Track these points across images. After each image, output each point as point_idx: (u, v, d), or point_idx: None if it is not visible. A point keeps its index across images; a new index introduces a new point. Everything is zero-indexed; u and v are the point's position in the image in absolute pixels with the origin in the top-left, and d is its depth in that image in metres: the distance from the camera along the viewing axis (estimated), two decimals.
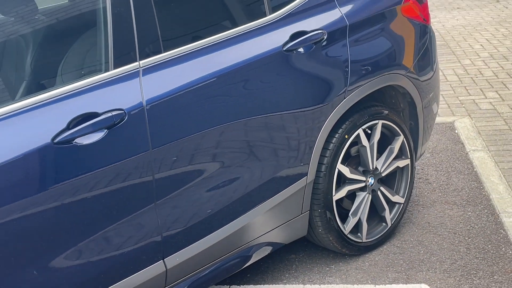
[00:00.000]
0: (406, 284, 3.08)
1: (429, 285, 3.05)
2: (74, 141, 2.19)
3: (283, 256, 3.38)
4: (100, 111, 2.26)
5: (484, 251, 3.31)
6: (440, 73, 6.38)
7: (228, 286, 3.15)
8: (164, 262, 2.53)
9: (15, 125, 2.10)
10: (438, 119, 5.13)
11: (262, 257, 3.15)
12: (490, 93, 5.70)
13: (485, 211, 3.70)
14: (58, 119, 2.17)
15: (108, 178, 2.29)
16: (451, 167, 4.30)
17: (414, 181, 4.03)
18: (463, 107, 5.44)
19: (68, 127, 2.18)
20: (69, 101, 2.22)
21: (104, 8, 2.35)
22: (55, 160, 2.16)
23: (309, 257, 3.37)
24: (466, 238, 3.44)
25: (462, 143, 4.66)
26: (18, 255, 2.13)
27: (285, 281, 3.19)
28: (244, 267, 2.92)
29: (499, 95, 5.63)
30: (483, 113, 5.24)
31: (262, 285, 3.16)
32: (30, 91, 2.25)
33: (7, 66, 2.35)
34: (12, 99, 2.19)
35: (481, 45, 7.40)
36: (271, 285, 3.16)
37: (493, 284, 3.03)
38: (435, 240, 3.44)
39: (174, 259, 2.55)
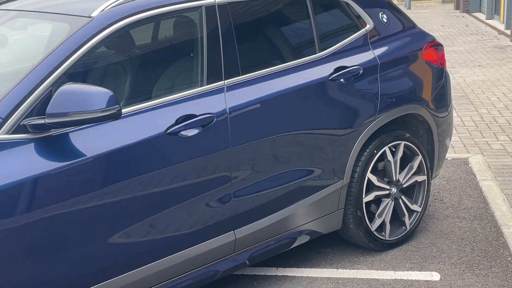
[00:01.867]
0: (421, 271, 3.83)
1: (439, 273, 3.79)
2: (179, 133, 3.04)
3: (320, 249, 4.15)
4: (197, 113, 3.12)
5: (486, 252, 4.04)
6: (458, 119, 7.19)
7: (276, 268, 3.92)
8: (234, 232, 3.34)
9: (142, 119, 2.96)
10: (454, 155, 5.91)
11: (303, 248, 3.95)
12: (502, 136, 6.48)
13: (489, 224, 4.44)
14: (170, 117, 3.03)
15: (200, 164, 3.12)
16: (463, 192, 5.05)
17: (430, 200, 4.78)
18: (477, 146, 6.21)
19: (176, 123, 3.04)
20: (177, 105, 3.08)
21: (202, 43, 3.23)
22: (167, 146, 3.01)
23: (341, 251, 4.14)
24: (472, 242, 4.18)
25: (474, 174, 5.42)
26: (138, 216, 2.95)
27: (321, 266, 3.95)
28: (290, 247, 3.70)
29: (510, 138, 6.39)
30: (494, 152, 6.01)
31: (303, 268, 3.92)
32: (152, 97, 3.13)
33: (137, 78, 3.22)
34: (140, 101, 3.05)
35: (498, 97, 8.21)
36: (310, 268, 3.92)
37: (491, 273, 3.76)
38: (445, 243, 4.18)
39: (242, 231, 3.36)
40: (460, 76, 9.67)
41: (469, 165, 5.66)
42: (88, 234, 2.83)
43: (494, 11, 17.05)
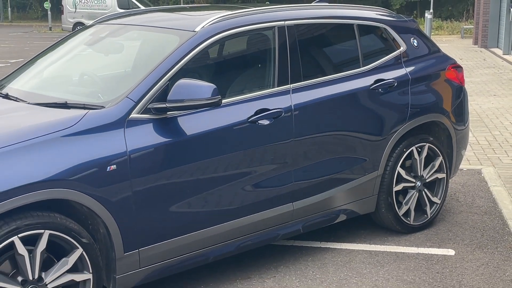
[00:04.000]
0: (439, 248, 4.69)
1: (454, 250, 4.65)
2: (257, 122, 3.96)
3: (355, 231, 5.01)
4: (270, 108, 4.04)
5: (493, 237, 4.89)
6: (474, 138, 8.05)
7: (319, 242, 4.80)
8: (293, 204, 4.23)
9: (231, 109, 3.88)
10: (469, 166, 6.78)
11: (341, 228, 4.83)
12: None
13: (497, 218, 5.29)
14: (250, 109, 3.95)
15: (271, 148, 4.03)
16: (476, 194, 5.91)
17: (447, 199, 5.63)
18: (490, 160, 7.07)
19: (255, 114, 3.96)
20: (255, 101, 4.01)
21: (274, 54, 4.17)
22: (247, 131, 3.92)
23: (373, 233, 5.00)
24: (482, 230, 5.03)
25: (486, 182, 6.27)
26: (222, 184, 3.85)
27: (357, 242, 4.82)
28: (333, 223, 4.58)
29: None
30: (504, 165, 6.87)
31: (342, 243, 4.79)
32: (237, 93, 4.05)
33: (227, 78, 4.16)
34: (229, 96, 3.97)
35: (510, 122, 9.08)
36: (348, 243, 4.79)
37: (496, 252, 4.61)
38: (460, 230, 5.04)
39: (299, 204, 4.25)
40: (476, 103, 10.53)
41: (482, 175, 6.51)
42: (190, 192, 3.72)
43: (510, 47, 17.94)
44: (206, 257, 3.92)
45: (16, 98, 3.92)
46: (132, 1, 31.81)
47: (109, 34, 4.43)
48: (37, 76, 4.35)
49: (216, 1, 41.95)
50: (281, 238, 4.30)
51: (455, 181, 6.20)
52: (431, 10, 26.98)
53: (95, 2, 31.71)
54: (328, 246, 4.74)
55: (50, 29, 37.79)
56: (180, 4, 40.88)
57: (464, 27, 26.23)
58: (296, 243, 4.77)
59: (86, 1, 31.77)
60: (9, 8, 48.52)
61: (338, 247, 4.73)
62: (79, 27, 31.43)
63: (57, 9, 44.19)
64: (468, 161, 7.04)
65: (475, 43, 21.55)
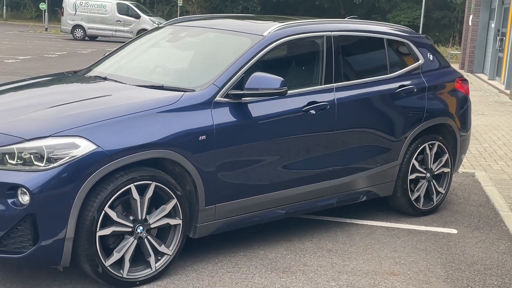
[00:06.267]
0: (443, 227, 5.65)
1: (456, 229, 5.61)
2: (308, 111, 4.89)
3: (374, 212, 5.96)
4: (318, 100, 4.97)
5: (488, 223, 5.86)
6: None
7: (345, 218, 5.73)
8: (330, 181, 5.16)
9: (289, 100, 4.79)
10: (463, 170, 7.78)
11: (362, 209, 5.77)
12: (501, 162, 8.36)
13: (490, 209, 6.27)
14: (304, 101, 4.89)
15: (318, 134, 4.96)
16: (472, 191, 6.90)
17: (448, 194, 6.61)
18: (481, 167, 8.08)
19: (307, 104, 4.89)
20: (307, 95, 4.94)
21: (322, 58, 5.11)
22: (301, 118, 4.85)
23: (388, 214, 5.94)
24: (478, 217, 6.01)
25: (479, 182, 7.27)
26: (279, 160, 4.77)
27: (376, 220, 5.76)
28: (358, 201, 5.51)
29: (506, 163, 8.28)
30: (495, 170, 7.88)
31: (364, 220, 5.73)
32: (295, 87, 4.95)
33: (287, 74, 5.08)
34: (288, 89, 4.89)
35: (498, 137, 10.13)
36: (369, 220, 5.73)
37: (491, 233, 5.59)
38: (459, 217, 6.01)
39: (335, 182, 5.18)
40: None
41: (475, 177, 7.51)
42: (255, 164, 4.62)
43: (495, 73, 19.14)
44: (261, 218, 4.82)
45: (116, 80, 4.82)
46: (131, 7, 32.78)
47: (188, 34, 5.36)
48: (126, 64, 5.26)
49: (210, 10, 43.04)
50: (319, 208, 5.23)
51: (453, 181, 7.16)
52: None
53: (96, 6, 32.53)
54: (352, 222, 5.67)
55: (46, 30, 38.48)
56: (176, 9, 41.93)
57: (451, 52, 27.52)
58: (325, 218, 5.70)
59: (86, 5, 32.55)
60: (4, 7, 49.07)
61: (361, 223, 5.66)
62: (77, 29, 32.45)
63: (52, 11, 44.93)
64: (463, 166, 8.03)
65: (462, 67, 22.75)
